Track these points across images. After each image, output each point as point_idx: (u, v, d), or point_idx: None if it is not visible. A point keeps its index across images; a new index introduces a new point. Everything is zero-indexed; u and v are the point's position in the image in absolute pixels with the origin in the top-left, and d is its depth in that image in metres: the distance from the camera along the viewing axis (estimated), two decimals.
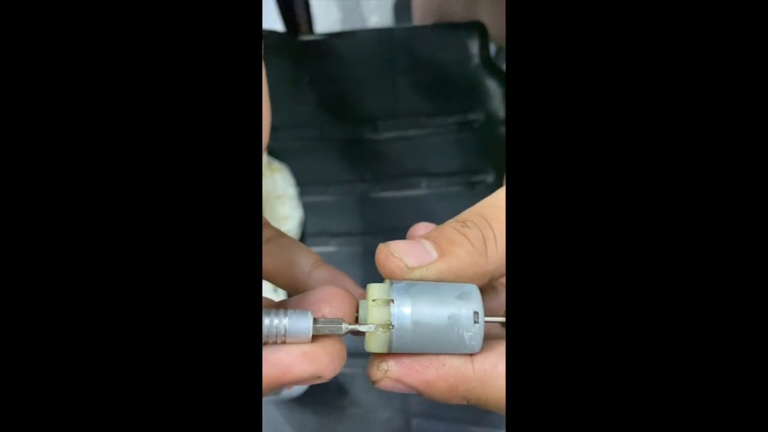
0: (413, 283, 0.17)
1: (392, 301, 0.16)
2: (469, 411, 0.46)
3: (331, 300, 0.17)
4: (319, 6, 1.16)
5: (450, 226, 0.18)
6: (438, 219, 0.58)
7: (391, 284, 0.17)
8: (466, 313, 0.16)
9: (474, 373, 0.17)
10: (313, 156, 0.54)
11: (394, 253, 0.17)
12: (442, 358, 0.17)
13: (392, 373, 0.17)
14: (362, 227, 0.52)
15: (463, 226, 0.18)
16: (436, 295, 0.16)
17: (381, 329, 0.16)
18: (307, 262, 0.22)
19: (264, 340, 0.16)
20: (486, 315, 0.17)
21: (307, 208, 0.53)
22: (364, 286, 0.19)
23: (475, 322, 0.16)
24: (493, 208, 0.18)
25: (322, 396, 0.48)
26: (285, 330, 0.16)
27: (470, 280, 0.17)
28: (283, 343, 0.16)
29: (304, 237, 0.53)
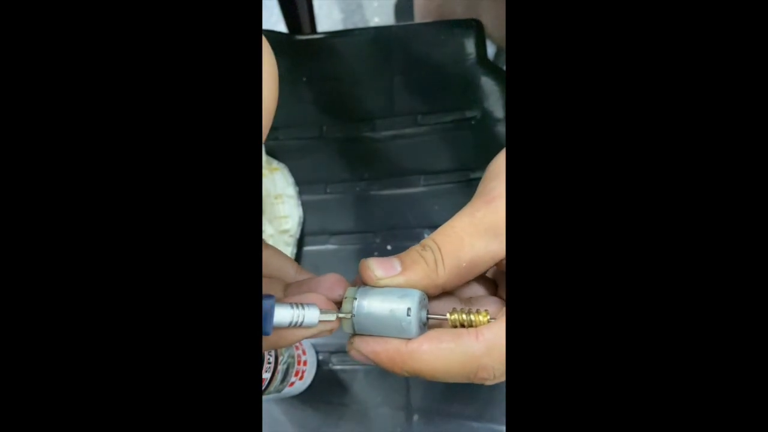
0: (373, 288, 0.24)
1: (356, 298, 0.24)
2: (470, 407, 0.46)
3: (335, 286, 0.25)
4: (321, 7, 1.16)
5: (414, 249, 0.24)
6: (436, 216, 0.58)
7: (359, 287, 0.24)
8: (401, 308, 0.23)
9: (405, 350, 0.23)
10: (312, 155, 0.55)
11: (369, 267, 0.24)
12: (388, 339, 0.23)
13: (355, 345, 0.24)
14: (361, 225, 0.53)
15: (423, 249, 0.24)
16: (385, 295, 0.23)
17: (347, 316, 0.24)
18: (291, 268, 0.28)
19: (286, 325, 0.22)
20: (434, 312, 0.24)
21: (306, 207, 0.54)
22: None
23: (408, 315, 0.23)
24: (444, 236, 0.24)
25: (323, 393, 0.48)
26: (303, 318, 0.22)
27: (425, 290, 0.24)
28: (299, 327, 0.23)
29: (303, 236, 0.53)
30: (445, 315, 0.23)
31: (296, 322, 0.22)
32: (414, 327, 0.23)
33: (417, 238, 0.51)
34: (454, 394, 0.46)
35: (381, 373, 0.48)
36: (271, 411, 0.49)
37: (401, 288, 0.23)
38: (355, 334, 0.24)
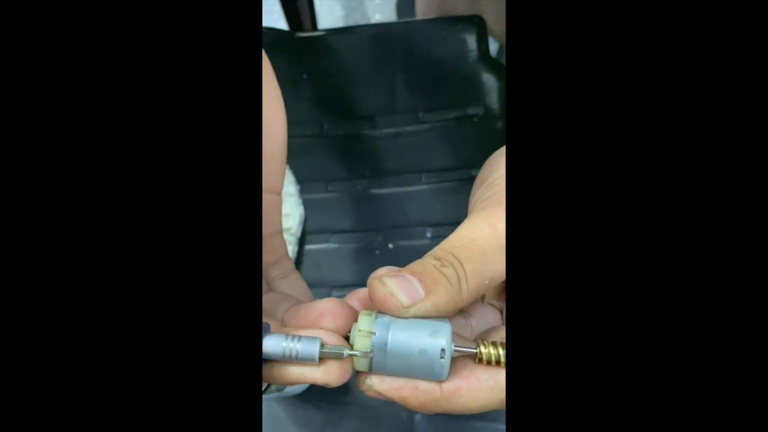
0: (394, 319, 0.20)
1: (374, 333, 0.20)
2: None
3: (329, 315, 0.20)
4: (323, 5, 1.16)
5: (430, 264, 0.20)
6: (438, 214, 0.58)
7: (376, 317, 0.20)
8: (435, 349, 0.19)
9: (441, 395, 0.20)
10: (313, 153, 0.54)
11: (392, 293, 0.19)
12: (415, 381, 0.20)
13: (375, 388, 0.20)
14: (363, 224, 0.52)
15: (441, 265, 0.20)
16: (412, 331, 0.20)
17: (362, 355, 0.20)
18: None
19: (278, 359, 0.19)
20: (458, 341, 0.21)
21: (307, 205, 0.53)
22: (364, 283, 0.21)
23: (441, 357, 0.19)
24: (462, 249, 0.21)
25: (325, 392, 0.48)
26: (297, 353, 0.19)
27: (447, 314, 0.20)
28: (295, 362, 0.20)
29: (305, 234, 0.53)
30: (474, 348, 0.20)
31: (290, 356, 0.19)
32: (447, 369, 0.20)
33: (418, 237, 0.51)
34: None
35: None
36: (273, 410, 0.49)
37: (428, 320, 0.20)
38: (371, 372, 0.20)
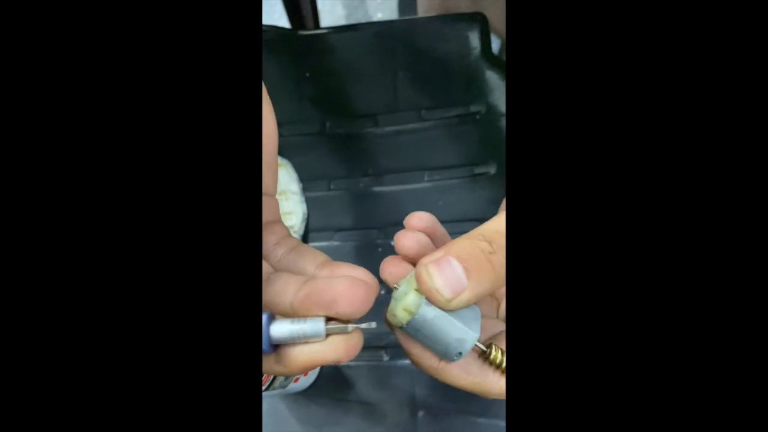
0: (437, 314, 0.21)
1: (415, 314, 0.21)
2: (475, 403, 0.46)
3: (343, 300, 0.19)
4: (325, 3, 1.16)
5: (478, 248, 0.20)
6: (441, 212, 0.58)
7: (422, 300, 0.21)
8: (458, 347, 0.21)
9: (437, 366, 0.23)
10: (315, 151, 0.54)
11: (437, 287, 0.20)
12: (426, 351, 0.22)
13: (396, 333, 0.23)
14: (365, 221, 0.52)
15: (491, 252, 0.20)
16: (449, 324, 0.21)
17: (398, 320, 0.21)
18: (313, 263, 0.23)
19: (289, 342, 0.20)
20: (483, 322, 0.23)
21: (310, 203, 0.53)
22: None
23: (460, 355, 0.22)
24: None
25: (328, 389, 0.48)
26: (305, 333, 0.20)
27: (482, 298, 0.22)
28: (304, 344, 0.20)
29: (308, 232, 0.53)
30: (486, 349, 0.23)
31: (297, 336, 0.19)
32: (462, 357, 0.22)
33: None
34: (459, 390, 0.46)
35: (386, 369, 0.48)
36: (276, 407, 0.49)
37: (462, 326, 0.21)
38: (397, 327, 0.22)
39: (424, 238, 0.25)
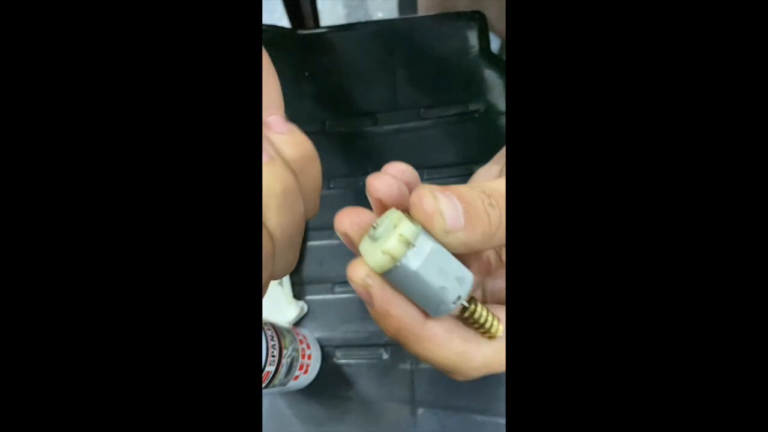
0: (436, 243, 0.18)
1: (413, 246, 0.18)
2: (475, 400, 0.46)
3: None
4: (325, 3, 1.16)
5: (479, 199, 0.19)
6: None
7: (419, 230, 0.18)
8: (453, 293, 0.19)
9: (420, 331, 0.20)
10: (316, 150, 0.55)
11: (442, 213, 0.18)
12: (410, 307, 0.19)
13: (369, 284, 0.19)
14: None
15: (490, 205, 0.19)
16: (445, 265, 0.18)
17: (389, 257, 0.18)
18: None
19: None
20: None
21: None
22: None
23: (453, 303, 0.19)
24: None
25: (328, 387, 0.48)
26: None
27: (468, 251, 0.19)
28: None
29: (307, 230, 0.53)
30: (469, 305, 0.20)
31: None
32: (446, 313, 0.19)
33: None
34: (459, 387, 0.46)
35: (386, 367, 0.48)
36: (276, 405, 0.49)
37: (460, 264, 0.19)
38: (377, 273, 0.19)
39: (403, 186, 0.21)
